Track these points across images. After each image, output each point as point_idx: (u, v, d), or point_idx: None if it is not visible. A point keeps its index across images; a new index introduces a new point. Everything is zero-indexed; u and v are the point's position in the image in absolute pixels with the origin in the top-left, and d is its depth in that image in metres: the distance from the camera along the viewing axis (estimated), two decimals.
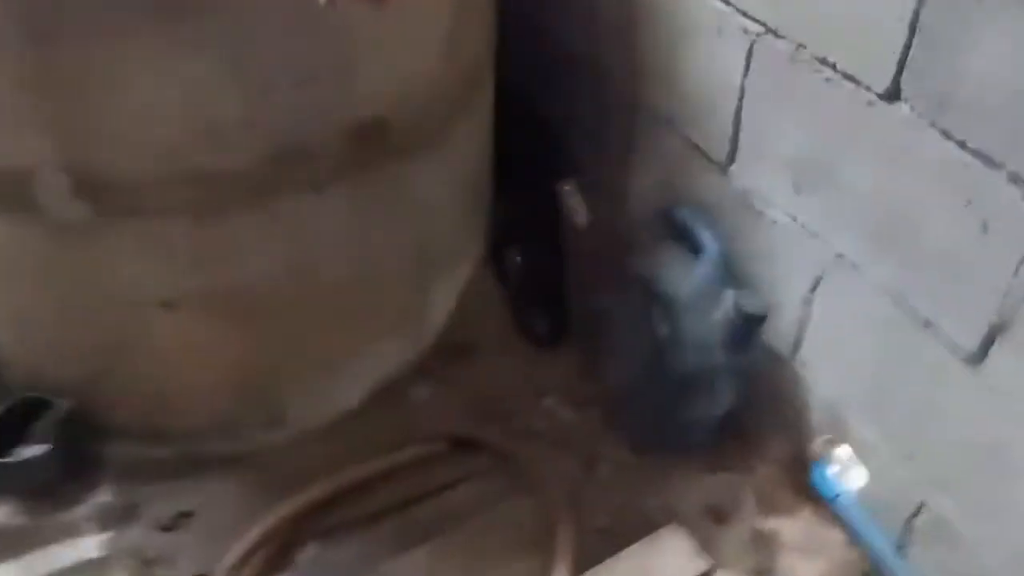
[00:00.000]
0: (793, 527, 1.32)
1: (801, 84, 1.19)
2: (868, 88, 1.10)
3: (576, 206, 1.52)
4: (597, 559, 1.24)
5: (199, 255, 1.20)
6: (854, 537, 1.29)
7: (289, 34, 1.09)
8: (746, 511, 1.32)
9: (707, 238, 1.32)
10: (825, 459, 1.32)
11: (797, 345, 1.34)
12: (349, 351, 1.41)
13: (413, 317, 1.49)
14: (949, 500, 1.16)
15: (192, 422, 1.37)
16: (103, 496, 1.31)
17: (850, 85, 1.12)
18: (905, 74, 1.05)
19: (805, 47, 1.16)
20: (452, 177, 1.44)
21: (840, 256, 1.22)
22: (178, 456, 1.34)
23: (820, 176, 1.21)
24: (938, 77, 1.01)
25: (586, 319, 1.51)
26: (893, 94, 1.07)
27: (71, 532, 1.26)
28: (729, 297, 1.27)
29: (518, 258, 1.58)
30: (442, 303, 1.54)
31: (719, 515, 1.32)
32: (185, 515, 1.29)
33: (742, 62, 1.26)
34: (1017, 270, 0.99)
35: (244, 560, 1.21)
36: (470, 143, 1.48)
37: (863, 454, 1.29)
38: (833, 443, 1.32)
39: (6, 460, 1.29)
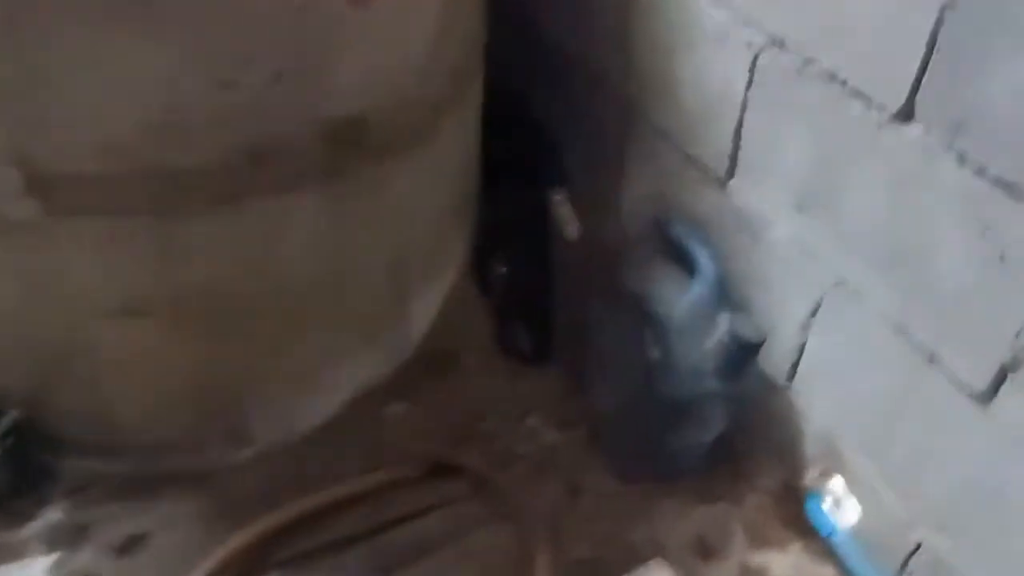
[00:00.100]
0: (783, 562, 1.27)
1: (808, 99, 1.13)
2: (880, 107, 1.04)
3: (567, 217, 1.46)
4: None
5: (159, 259, 1.13)
6: (847, 575, 1.25)
7: (260, 24, 1.02)
8: (735, 545, 1.28)
9: (703, 257, 1.27)
10: (819, 491, 1.28)
11: (793, 372, 1.29)
12: (320, 364, 1.35)
13: (390, 329, 1.43)
14: (949, 541, 1.12)
15: (149, 437, 1.30)
16: (53, 514, 1.24)
17: (860, 103, 1.06)
18: (920, 94, 0.99)
19: (813, 61, 1.11)
20: (435, 180, 1.38)
21: (842, 281, 1.17)
22: (134, 473, 1.28)
23: (824, 197, 1.16)
24: (956, 99, 0.96)
25: (573, 336, 1.45)
26: (907, 114, 1.01)
27: (17, 553, 1.19)
28: (724, 321, 1.22)
29: (503, 268, 1.51)
30: (421, 314, 1.47)
31: (707, 548, 1.28)
32: (139, 538, 1.22)
33: (745, 74, 1.20)
34: None
35: None
36: (456, 145, 1.42)
37: (859, 489, 1.24)
38: (827, 475, 1.28)
39: None
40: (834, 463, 1.27)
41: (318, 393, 1.37)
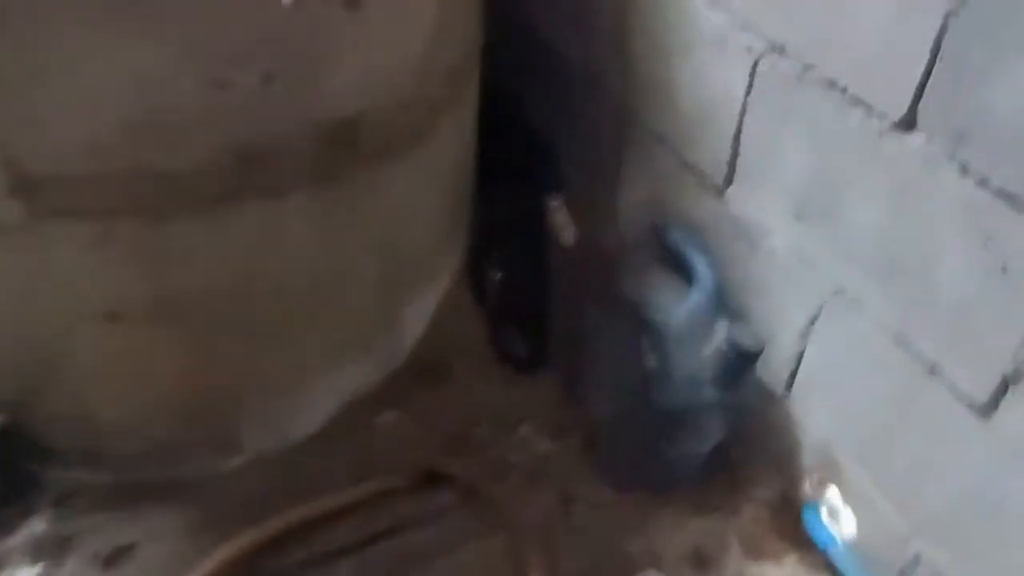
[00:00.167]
0: (780, 574, 1.26)
1: (808, 106, 1.11)
2: (882, 115, 1.03)
3: (563, 222, 1.44)
4: None
5: (147, 262, 1.11)
6: None
7: (252, 23, 1.00)
8: (731, 556, 1.26)
9: (701, 265, 1.25)
10: (816, 502, 1.26)
11: (791, 381, 1.28)
12: (310, 371, 1.33)
13: (382, 335, 1.41)
14: (947, 554, 1.10)
15: (136, 445, 1.27)
16: (38, 525, 1.21)
17: (862, 110, 1.05)
18: (923, 102, 0.98)
19: (814, 67, 1.09)
20: (430, 185, 1.36)
21: (841, 290, 1.15)
22: (120, 482, 1.25)
23: (824, 205, 1.14)
24: (959, 108, 0.94)
25: (568, 343, 1.43)
26: (909, 123, 1.00)
27: (0, 564, 1.16)
28: (722, 329, 1.20)
29: (498, 274, 1.49)
30: (415, 321, 1.45)
31: (703, 560, 1.26)
32: (125, 549, 1.20)
33: (745, 80, 1.18)
34: None
35: None
36: (451, 149, 1.40)
37: (857, 500, 1.22)
38: (825, 485, 1.26)
39: None
40: (832, 474, 1.25)
41: (308, 401, 1.35)
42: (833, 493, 1.25)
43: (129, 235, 1.07)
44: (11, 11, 0.91)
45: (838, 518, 1.24)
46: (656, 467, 1.31)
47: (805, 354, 1.24)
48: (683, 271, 1.28)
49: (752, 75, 1.18)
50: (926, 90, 0.97)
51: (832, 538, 1.24)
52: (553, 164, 1.61)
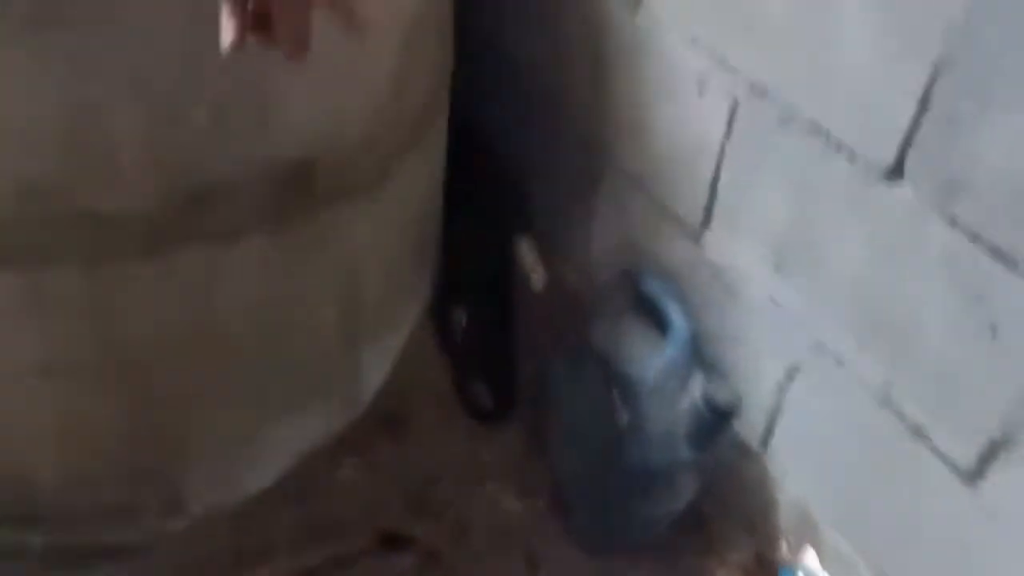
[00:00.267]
0: None
1: (790, 152, 1.07)
2: (867, 163, 0.98)
3: (532, 265, 1.38)
4: None
5: (86, 312, 1.04)
6: None
7: (198, 57, 0.92)
8: None
9: (675, 314, 1.20)
10: (793, 566, 1.21)
11: (768, 436, 1.23)
12: (263, 423, 1.25)
13: (340, 385, 1.34)
14: None
15: (75, 506, 1.19)
16: None
17: (846, 157, 1.00)
18: (911, 152, 0.93)
19: (797, 112, 1.05)
20: (394, 227, 1.30)
21: (820, 345, 1.11)
22: (56, 546, 1.17)
23: (805, 256, 1.10)
24: (949, 159, 0.90)
25: (536, 393, 1.37)
26: (895, 173, 0.96)
27: None
28: (697, 384, 1.15)
29: (463, 319, 1.43)
30: (375, 369, 1.38)
31: None
32: None
33: (724, 122, 1.14)
34: None
35: None
36: (416, 189, 1.34)
37: (835, 564, 1.17)
38: (802, 548, 1.21)
39: None
40: (809, 536, 1.20)
41: (261, 455, 1.27)
42: (811, 557, 1.20)
43: (63, 283, 1.00)
44: None
45: None
46: (627, 527, 1.26)
47: (782, 409, 1.19)
48: (657, 319, 1.22)
49: (732, 118, 1.13)
50: (914, 139, 0.92)
51: None
52: (521, 202, 1.55)
